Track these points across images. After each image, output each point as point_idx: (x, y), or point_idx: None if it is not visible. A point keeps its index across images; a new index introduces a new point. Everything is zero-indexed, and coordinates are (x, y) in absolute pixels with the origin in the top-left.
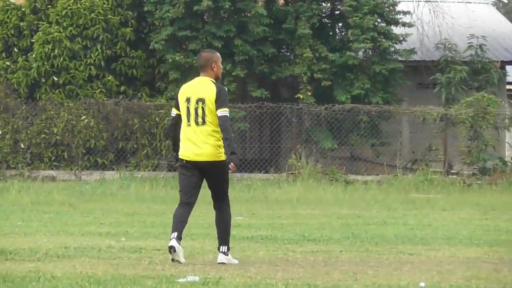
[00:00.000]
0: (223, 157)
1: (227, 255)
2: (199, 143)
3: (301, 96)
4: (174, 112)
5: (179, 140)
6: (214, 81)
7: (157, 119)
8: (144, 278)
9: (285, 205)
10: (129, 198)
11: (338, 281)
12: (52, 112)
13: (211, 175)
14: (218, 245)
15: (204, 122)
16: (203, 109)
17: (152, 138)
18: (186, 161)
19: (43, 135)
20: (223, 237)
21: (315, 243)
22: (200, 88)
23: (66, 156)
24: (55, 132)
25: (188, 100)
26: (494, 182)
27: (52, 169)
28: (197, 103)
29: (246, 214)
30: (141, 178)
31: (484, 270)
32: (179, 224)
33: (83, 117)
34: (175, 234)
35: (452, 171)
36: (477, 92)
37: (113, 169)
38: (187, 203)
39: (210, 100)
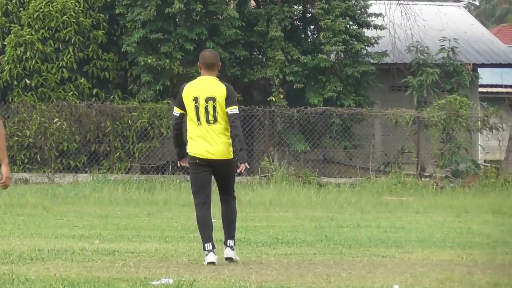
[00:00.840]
0: (232, 154)
1: (234, 249)
2: (211, 141)
3: (274, 99)
4: (177, 111)
5: (183, 139)
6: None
7: (129, 121)
8: (118, 281)
9: (258, 207)
10: (102, 200)
11: (311, 284)
12: (24, 115)
13: (222, 172)
14: (224, 239)
15: (215, 120)
16: (214, 107)
17: (124, 140)
18: (200, 159)
19: (16, 138)
20: (230, 231)
21: (288, 245)
22: (208, 87)
23: (39, 159)
24: (27, 134)
25: (196, 99)
26: (467, 185)
27: (25, 171)
28: (206, 101)
29: (219, 216)
30: (114, 180)
31: (458, 273)
32: (209, 229)
33: (55, 120)
34: (210, 245)
35: (425, 174)
36: (449, 94)
37: (86, 172)
38: (205, 203)
39: (222, 98)
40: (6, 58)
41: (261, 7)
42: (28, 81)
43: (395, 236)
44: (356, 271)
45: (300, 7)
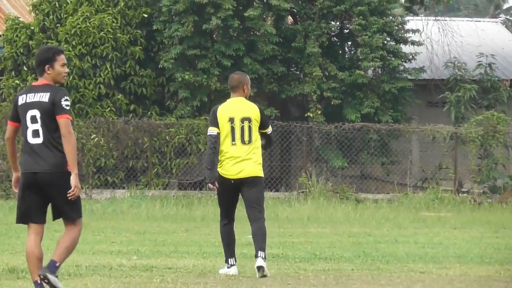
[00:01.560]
0: (262, 172)
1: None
2: (242, 161)
3: (311, 115)
4: (214, 130)
5: (215, 159)
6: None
7: (167, 137)
8: None
9: (296, 223)
10: (140, 216)
11: None
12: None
13: (253, 189)
14: (255, 252)
15: (250, 141)
16: (250, 128)
17: (162, 156)
18: (234, 179)
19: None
20: (261, 244)
21: (326, 261)
22: (243, 108)
23: None
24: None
25: (231, 120)
26: (505, 201)
27: None
28: (242, 122)
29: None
30: (151, 196)
31: None
32: (232, 244)
33: (93, 136)
34: (233, 260)
35: (462, 190)
36: (486, 110)
37: (123, 188)
38: (231, 219)
39: (256, 119)
40: None
41: (299, 23)
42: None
43: (433, 252)
44: (394, 287)
45: (338, 23)
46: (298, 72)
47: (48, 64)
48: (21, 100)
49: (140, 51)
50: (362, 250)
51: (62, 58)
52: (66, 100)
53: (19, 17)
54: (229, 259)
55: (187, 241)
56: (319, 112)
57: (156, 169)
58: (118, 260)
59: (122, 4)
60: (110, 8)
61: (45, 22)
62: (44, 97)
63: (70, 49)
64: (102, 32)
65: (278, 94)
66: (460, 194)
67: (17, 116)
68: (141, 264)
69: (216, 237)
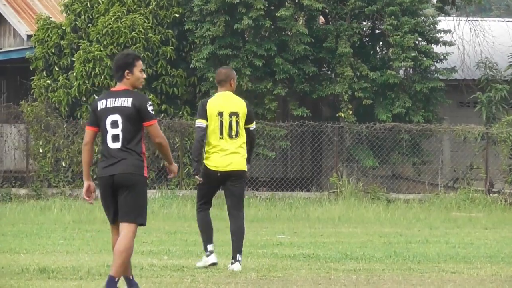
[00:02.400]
0: (246, 167)
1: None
2: (230, 154)
3: (342, 115)
4: (203, 123)
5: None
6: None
7: None
8: None
9: (327, 223)
10: (171, 216)
11: None
12: None
13: (236, 183)
14: (234, 255)
15: (237, 135)
16: (237, 122)
17: None
18: (220, 172)
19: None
20: (240, 246)
21: (357, 261)
22: (232, 103)
23: None
24: (96, 151)
25: (220, 114)
26: None
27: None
28: (230, 116)
29: (288, 232)
30: (182, 196)
31: None
32: (210, 230)
33: None
34: (211, 246)
35: (493, 190)
36: None
37: (154, 188)
38: (207, 208)
39: (243, 114)
40: (74, 74)
41: (330, 23)
42: (96, 97)
43: (464, 252)
44: (425, 286)
45: (369, 23)
46: (329, 72)
47: (128, 69)
48: (101, 105)
49: (172, 51)
50: (393, 250)
51: (140, 64)
52: (150, 105)
53: (51, 17)
54: (208, 246)
55: (218, 241)
56: (351, 112)
57: (187, 169)
58: (149, 260)
59: (154, 4)
60: (141, 8)
61: (77, 22)
62: (126, 102)
63: (102, 49)
64: (134, 32)
65: (310, 94)
66: (491, 194)
67: (96, 121)
68: (172, 264)
69: (246, 237)
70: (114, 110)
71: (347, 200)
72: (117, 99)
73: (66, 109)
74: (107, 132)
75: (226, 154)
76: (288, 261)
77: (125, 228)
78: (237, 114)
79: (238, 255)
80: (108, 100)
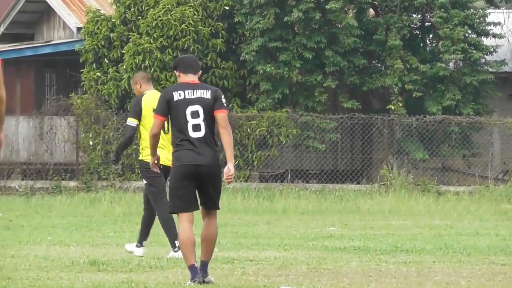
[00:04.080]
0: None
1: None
2: (167, 150)
3: (392, 107)
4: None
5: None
6: None
7: (248, 130)
8: None
9: (377, 216)
10: (221, 209)
11: None
12: None
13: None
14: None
15: (169, 131)
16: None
17: (243, 149)
18: (163, 166)
19: (135, 146)
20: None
21: (407, 253)
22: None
23: None
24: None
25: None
26: None
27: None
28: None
29: (338, 224)
30: (233, 189)
31: None
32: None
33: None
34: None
35: None
36: None
37: None
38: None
39: None
40: (124, 67)
41: (380, 15)
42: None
43: None
44: (475, 279)
45: (419, 15)
46: (379, 65)
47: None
48: (178, 96)
49: (222, 44)
50: (444, 243)
51: None
52: (223, 97)
53: (100, 10)
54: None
55: (268, 233)
56: (401, 104)
57: (237, 162)
58: (199, 252)
59: None
60: (191, 1)
61: (126, 15)
62: (206, 94)
63: (151, 41)
64: (184, 25)
65: (360, 87)
66: None
67: (167, 110)
68: (222, 257)
69: (297, 229)
70: (194, 101)
71: (397, 193)
72: (195, 90)
73: (116, 102)
74: (187, 122)
75: (166, 150)
76: (339, 253)
77: (212, 215)
78: None
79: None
80: (186, 91)
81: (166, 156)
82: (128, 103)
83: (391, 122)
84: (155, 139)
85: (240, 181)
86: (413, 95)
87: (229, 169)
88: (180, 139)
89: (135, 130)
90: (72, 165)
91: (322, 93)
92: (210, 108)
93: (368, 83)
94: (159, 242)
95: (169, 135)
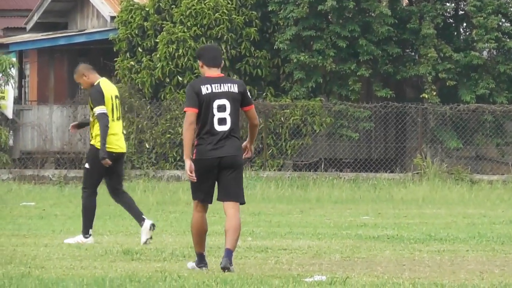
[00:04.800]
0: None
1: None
2: (119, 136)
3: (426, 96)
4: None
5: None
6: None
7: (282, 119)
8: (271, 278)
9: (410, 204)
10: (255, 198)
11: (464, 281)
12: (176, 112)
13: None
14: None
15: (119, 119)
16: (118, 105)
17: (277, 138)
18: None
19: (168, 135)
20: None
21: (441, 242)
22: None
23: None
24: (180, 132)
25: (113, 97)
26: None
27: (177, 169)
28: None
29: (372, 213)
30: (266, 178)
31: None
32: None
33: None
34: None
35: None
36: None
37: None
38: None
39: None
40: (158, 56)
41: (414, 4)
42: (180, 79)
43: None
44: (509, 267)
45: (453, 4)
46: (413, 54)
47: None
48: (205, 89)
49: (255, 32)
50: (477, 231)
51: None
52: (248, 91)
53: None
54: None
55: (302, 222)
56: (434, 93)
57: (271, 150)
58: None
59: None
60: None
61: (160, 3)
62: (233, 87)
63: (185, 30)
64: (217, 14)
65: (393, 76)
66: None
67: (198, 103)
68: (256, 245)
69: (331, 218)
70: (221, 95)
71: (431, 181)
72: (222, 84)
73: (150, 91)
74: (213, 115)
75: (121, 137)
76: (372, 242)
77: (232, 207)
78: (117, 97)
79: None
80: (213, 85)
81: (117, 142)
82: (161, 91)
83: (425, 110)
84: (192, 130)
85: (274, 170)
86: (447, 83)
87: (249, 148)
88: (205, 132)
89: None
90: None
91: (356, 82)
92: (236, 102)
93: (401, 72)
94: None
95: (120, 122)
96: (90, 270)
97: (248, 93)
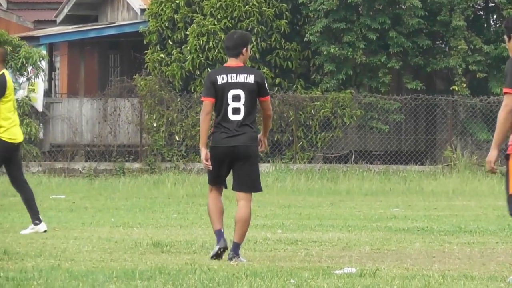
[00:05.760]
0: None
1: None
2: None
3: (456, 88)
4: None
5: None
6: None
7: (312, 111)
8: (301, 270)
9: (441, 196)
10: (285, 190)
11: (494, 273)
12: None
13: None
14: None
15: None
16: None
17: (307, 130)
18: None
19: (198, 128)
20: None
21: (471, 234)
22: None
23: None
24: (211, 124)
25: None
26: None
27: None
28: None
29: (402, 205)
30: (296, 170)
31: None
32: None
33: None
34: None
35: None
36: None
37: (268, 162)
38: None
39: None
40: (188, 48)
41: None
42: (212, 71)
43: None
44: None
45: None
46: (443, 46)
47: (245, 47)
48: (221, 79)
49: (286, 25)
50: (507, 223)
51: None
52: (266, 81)
53: None
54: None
55: (332, 215)
56: (464, 85)
57: (301, 143)
58: (263, 233)
59: None
60: None
61: None
62: (249, 78)
63: (216, 22)
64: (248, 6)
65: (424, 68)
66: None
67: (215, 93)
68: (286, 238)
69: (361, 210)
70: (236, 85)
71: (461, 173)
72: (238, 74)
73: (180, 83)
74: (228, 105)
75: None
76: (402, 234)
77: (244, 197)
78: None
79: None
80: (229, 75)
81: (19, 133)
82: (191, 84)
83: (455, 103)
84: (208, 120)
85: (304, 162)
86: (477, 76)
87: (263, 141)
88: (220, 120)
89: None
90: (136, 146)
91: (386, 74)
92: (252, 92)
93: (432, 64)
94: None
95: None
96: (120, 263)
97: (266, 84)
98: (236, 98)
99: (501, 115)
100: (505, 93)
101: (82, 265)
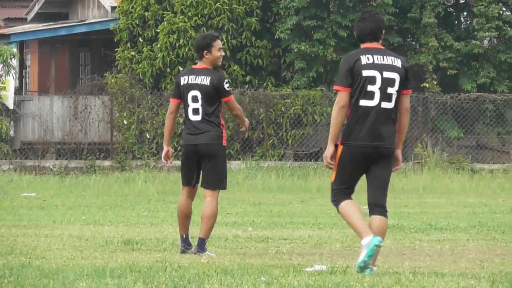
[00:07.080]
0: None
1: None
2: None
3: (427, 85)
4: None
5: None
6: None
7: (283, 108)
8: (271, 268)
9: (411, 194)
10: (255, 188)
11: (465, 270)
12: None
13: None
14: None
15: None
16: None
17: (278, 127)
18: None
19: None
20: None
21: (441, 231)
22: None
23: None
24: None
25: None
26: None
27: (177, 159)
28: None
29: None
30: (267, 167)
31: None
32: None
33: None
34: None
35: None
36: None
37: (239, 159)
38: None
39: None
40: (159, 46)
41: None
42: (181, 69)
43: None
44: (510, 256)
45: None
46: (414, 43)
47: (206, 50)
48: (183, 80)
49: (256, 22)
50: (478, 220)
51: (218, 43)
52: (227, 83)
53: None
54: None
55: (303, 212)
56: (435, 82)
57: (271, 140)
58: (234, 231)
59: None
60: None
61: None
62: (205, 80)
63: (186, 20)
64: (218, 3)
65: None
66: None
67: (179, 94)
68: (256, 235)
69: (332, 208)
70: (194, 87)
71: (431, 171)
72: (197, 76)
73: (151, 81)
74: (188, 105)
75: None
76: None
77: (209, 195)
78: None
79: None
80: (190, 76)
81: None
82: (162, 82)
83: (426, 100)
84: (170, 119)
85: (275, 160)
86: (448, 73)
87: (242, 125)
88: (185, 120)
89: None
90: (107, 144)
91: None
92: (208, 94)
93: None
94: (193, 221)
95: None
96: (91, 260)
97: (225, 86)
98: (195, 99)
99: (334, 111)
100: (336, 90)
101: (53, 263)
